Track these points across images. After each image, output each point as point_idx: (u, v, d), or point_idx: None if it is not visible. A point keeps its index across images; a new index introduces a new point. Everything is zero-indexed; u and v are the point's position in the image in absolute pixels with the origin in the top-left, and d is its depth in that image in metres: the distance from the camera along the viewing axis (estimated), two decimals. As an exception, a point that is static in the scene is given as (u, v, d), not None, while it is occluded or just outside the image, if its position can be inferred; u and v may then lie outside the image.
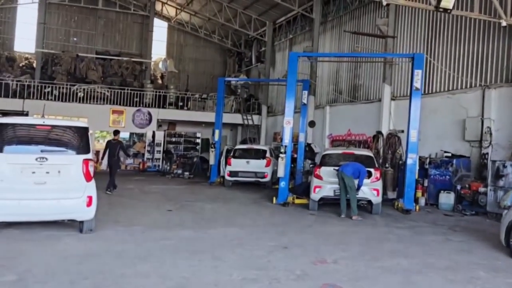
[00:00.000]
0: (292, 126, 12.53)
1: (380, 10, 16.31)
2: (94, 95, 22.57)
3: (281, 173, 12.39)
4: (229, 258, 6.28)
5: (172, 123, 25.19)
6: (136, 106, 22.98)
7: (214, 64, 30.81)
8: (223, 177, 16.56)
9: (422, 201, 12.56)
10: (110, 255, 6.20)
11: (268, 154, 16.59)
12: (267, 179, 15.99)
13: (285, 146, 12.41)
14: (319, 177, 11.07)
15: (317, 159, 18.20)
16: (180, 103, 24.52)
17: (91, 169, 7.08)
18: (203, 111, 24.47)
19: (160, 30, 28.74)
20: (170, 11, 28.32)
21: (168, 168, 20.98)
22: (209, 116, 22.56)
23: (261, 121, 24.95)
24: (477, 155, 12.32)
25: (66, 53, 25.17)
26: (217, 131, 17.78)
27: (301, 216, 10.38)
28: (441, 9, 10.39)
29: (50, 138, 7.18)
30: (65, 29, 27.37)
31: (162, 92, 24.34)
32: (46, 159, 6.77)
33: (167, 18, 29.03)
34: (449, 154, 12.71)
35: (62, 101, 21.49)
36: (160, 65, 27.40)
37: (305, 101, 16.84)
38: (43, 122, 7.20)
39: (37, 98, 21.05)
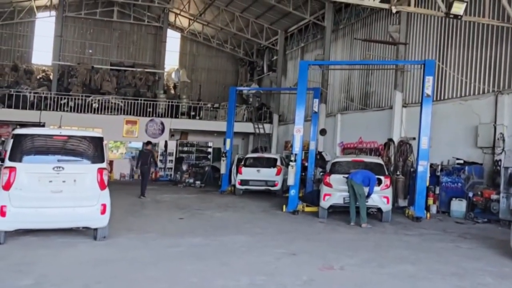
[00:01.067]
0: (303, 134, 12.62)
1: (392, 17, 16.34)
2: (108, 106, 23.00)
3: (291, 181, 12.44)
4: (237, 264, 6.41)
5: (185, 133, 25.46)
6: (149, 116, 23.27)
7: (226, 74, 31.13)
8: (234, 185, 16.68)
9: (434, 209, 12.46)
10: (122, 261, 6.39)
11: (278, 163, 16.66)
12: (278, 187, 16.06)
13: (295, 154, 12.51)
14: (328, 185, 11.09)
15: (328, 167, 18.27)
16: (192, 113, 24.80)
17: (106, 178, 7.31)
18: (215, 120, 24.71)
19: (173, 40, 29.21)
20: (183, 21, 28.81)
21: (179, 177, 21.13)
22: (221, 126, 22.70)
23: (273, 130, 25.03)
24: (490, 162, 12.17)
25: (81, 65, 25.77)
26: (228, 140, 17.91)
27: (310, 224, 10.43)
28: (451, 15, 10.40)
29: (67, 148, 7.44)
30: (81, 41, 28.03)
31: (175, 102, 24.70)
32: (63, 168, 7.02)
33: (180, 29, 29.51)
34: (461, 161, 12.58)
35: (77, 112, 21.94)
36: (173, 75, 27.79)
37: (316, 109, 16.87)
38: (60, 132, 7.46)
39: (53, 110, 21.50)
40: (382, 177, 10.76)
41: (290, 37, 25.17)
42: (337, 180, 10.99)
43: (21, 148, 7.07)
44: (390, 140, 15.72)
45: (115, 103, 23.19)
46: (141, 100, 23.66)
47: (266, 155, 18.90)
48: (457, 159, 12.80)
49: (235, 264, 6.37)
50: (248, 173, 16.24)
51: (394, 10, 10.69)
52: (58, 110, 21.55)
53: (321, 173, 15.78)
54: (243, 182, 16.21)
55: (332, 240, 8.52)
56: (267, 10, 23.04)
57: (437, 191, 12.77)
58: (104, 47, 28.35)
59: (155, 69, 27.41)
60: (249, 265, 6.40)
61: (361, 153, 17.06)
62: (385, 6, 11.01)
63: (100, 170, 7.25)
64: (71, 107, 22.06)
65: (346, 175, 10.64)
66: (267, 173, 16.25)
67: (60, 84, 24.78)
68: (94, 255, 6.66)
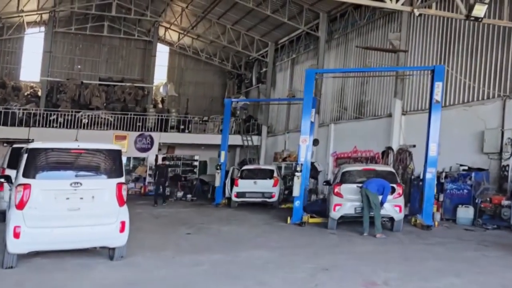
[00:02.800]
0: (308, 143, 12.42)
1: (391, 25, 16.43)
2: (98, 121, 22.54)
3: (296, 192, 12.17)
4: (275, 282, 6.05)
5: (171, 147, 25.17)
6: (138, 130, 22.97)
7: (214, 87, 30.99)
8: (229, 198, 16.36)
9: (438, 216, 12.21)
10: (150, 283, 5.97)
11: (275, 174, 16.49)
12: (274, 199, 15.89)
13: (301, 165, 12.28)
14: (339, 195, 10.83)
15: (320, 178, 18.09)
16: (182, 126, 24.52)
17: (124, 193, 6.85)
18: (204, 133, 24.39)
19: (161, 55, 28.96)
20: (173, 35, 28.60)
21: (169, 192, 20.44)
22: (210, 138, 22.93)
23: (261, 142, 24.93)
24: (496, 168, 12.10)
25: (70, 81, 25.38)
26: (223, 153, 17.73)
27: (322, 235, 10.15)
28: (472, 18, 10.33)
29: (84, 162, 6.99)
30: (70, 57, 27.70)
31: (164, 116, 24.35)
32: (81, 184, 6.54)
33: (169, 43, 29.29)
34: (466, 167, 12.53)
35: (67, 128, 21.44)
36: (161, 90, 27.56)
37: (312, 119, 16.72)
38: (78, 145, 6.99)
39: (42, 126, 21.16)
40: (395, 186, 10.61)
41: (281, 49, 25.14)
42: (348, 189, 10.75)
43: (36, 163, 6.57)
44: (389, 148, 15.68)
45: (104, 118, 22.73)
46: (130, 114, 23.27)
47: (262, 166, 18.76)
48: (461, 165, 12.75)
49: (272, 283, 6.00)
50: (245, 185, 16.02)
51: (417, 13, 10.65)
52: (47, 126, 21.19)
53: (324, 183, 15.56)
54: (240, 194, 15.97)
55: (355, 253, 8.25)
56: (259, 22, 22.97)
57: (441, 199, 12.68)
58: (93, 62, 28.03)
59: (144, 83, 27.07)
60: (287, 283, 6.06)
61: (356, 162, 16.95)
62: (408, 9, 10.91)
63: (119, 185, 6.78)
64: (60, 123, 21.57)
65: (360, 185, 10.44)
66: (264, 185, 16.08)
67: (48, 100, 24.34)
68: (117, 277, 6.20)
